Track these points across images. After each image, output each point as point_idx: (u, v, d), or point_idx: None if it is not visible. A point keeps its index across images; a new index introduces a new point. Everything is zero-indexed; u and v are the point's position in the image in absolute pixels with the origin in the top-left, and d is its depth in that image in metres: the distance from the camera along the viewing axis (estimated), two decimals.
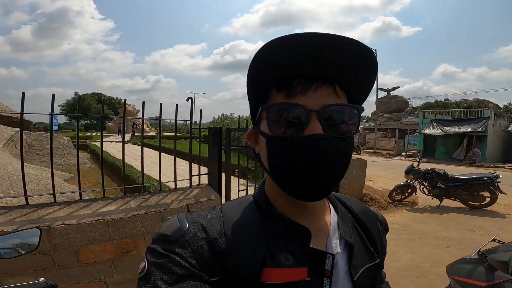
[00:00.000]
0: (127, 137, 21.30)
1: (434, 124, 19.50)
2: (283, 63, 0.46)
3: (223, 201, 2.84)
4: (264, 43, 0.45)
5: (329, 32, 0.44)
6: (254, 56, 0.46)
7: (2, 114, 7.22)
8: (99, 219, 2.03)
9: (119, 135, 21.70)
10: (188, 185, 2.99)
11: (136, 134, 22.73)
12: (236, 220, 0.52)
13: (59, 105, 55.20)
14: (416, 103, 48.91)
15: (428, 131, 19.39)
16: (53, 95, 2.04)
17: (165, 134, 23.18)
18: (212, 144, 3.06)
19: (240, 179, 3.20)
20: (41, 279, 0.93)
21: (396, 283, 2.62)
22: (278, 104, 0.47)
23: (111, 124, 35.98)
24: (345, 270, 0.52)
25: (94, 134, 26.51)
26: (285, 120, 0.46)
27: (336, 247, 0.53)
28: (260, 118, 0.51)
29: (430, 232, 4.64)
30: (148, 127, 33.59)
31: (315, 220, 0.54)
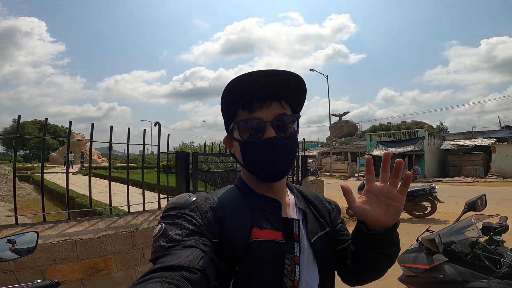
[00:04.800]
0: (76, 168, 19.68)
1: (380, 145, 21.38)
2: (246, 91, 0.66)
3: None
4: (233, 77, 0.65)
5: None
6: (226, 86, 0.66)
7: None
8: (66, 239, 1.97)
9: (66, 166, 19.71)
10: (157, 207, 3.00)
11: (86, 165, 20.82)
12: (226, 197, 0.70)
13: None
14: (364, 126, 52.74)
15: (375, 152, 21.07)
16: None
17: (120, 165, 21.94)
18: (179, 168, 3.11)
19: None
20: (38, 280, 0.96)
21: None
22: (245, 119, 0.68)
23: (55, 154, 32.73)
24: (305, 235, 0.70)
25: (36, 165, 23.88)
26: (250, 129, 0.67)
27: (295, 215, 0.72)
28: (233, 129, 0.70)
29: None
30: (99, 157, 31.38)
31: (280, 197, 0.72)
